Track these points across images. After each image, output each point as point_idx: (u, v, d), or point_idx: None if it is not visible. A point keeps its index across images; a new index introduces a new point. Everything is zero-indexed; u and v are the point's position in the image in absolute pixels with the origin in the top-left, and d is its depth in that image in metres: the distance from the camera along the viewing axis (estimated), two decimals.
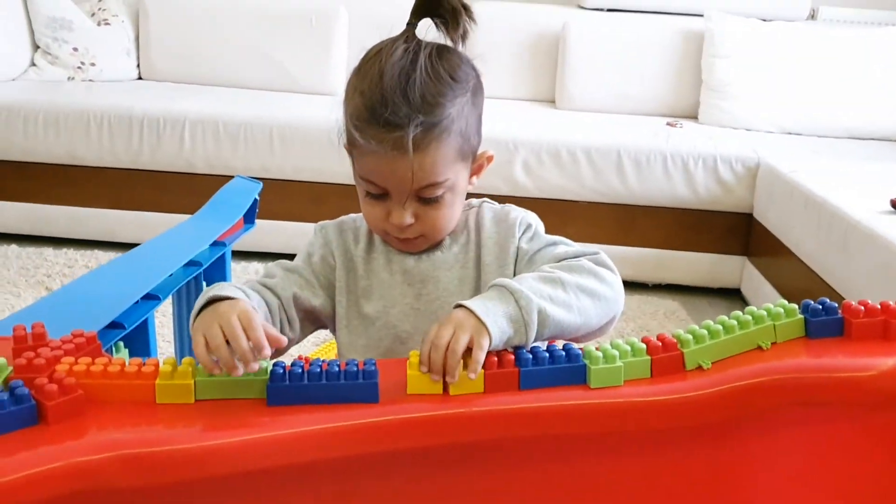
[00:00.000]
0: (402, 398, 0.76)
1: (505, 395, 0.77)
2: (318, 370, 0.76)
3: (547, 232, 1.04)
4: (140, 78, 3.27)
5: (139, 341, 1.20)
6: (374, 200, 0.94)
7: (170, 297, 1.37)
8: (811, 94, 2.94)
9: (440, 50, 0.91)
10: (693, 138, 2.69)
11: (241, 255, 2.67)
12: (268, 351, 0.76)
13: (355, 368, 0.76)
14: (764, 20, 3.06)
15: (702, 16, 3.08)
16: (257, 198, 1.49)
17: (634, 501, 0.82)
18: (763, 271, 2.48)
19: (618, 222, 2.65)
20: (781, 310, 0.86)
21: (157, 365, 0.77)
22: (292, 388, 0.75)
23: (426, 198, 0.92)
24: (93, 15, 3.21)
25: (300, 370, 0.76)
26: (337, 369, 0.76)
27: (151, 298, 1.17)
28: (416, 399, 0.76)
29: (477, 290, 1.00)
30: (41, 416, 0.70)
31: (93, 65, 3.13)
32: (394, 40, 0.91)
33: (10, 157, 2.72)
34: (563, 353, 0.80)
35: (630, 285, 2.66)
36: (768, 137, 2.83)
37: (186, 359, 0.79)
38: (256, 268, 2.63)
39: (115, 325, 1.08)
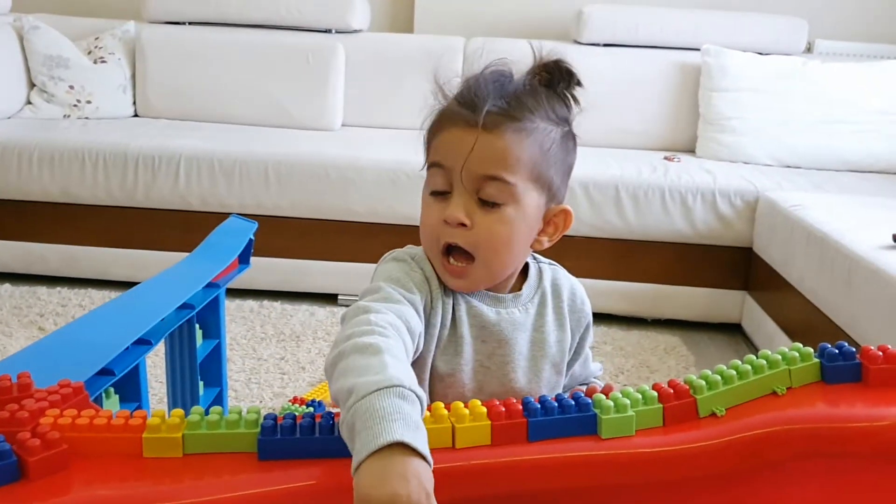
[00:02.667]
0: None
1: (513, 446, 0.74)
2: (311, 423, 0.73)
3: None
4: (136, 115, 3.26)
5: (130, 387, 1.16)
6: (435, 201, 0.90)
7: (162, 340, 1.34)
8: (810, 126, 2.93)
9: (548, 81, 0.92)
10: (691, 172, 2.68)
11: (235, 292, 2.64)
12: None
13: None
14: (760, 54, 3.06)
15: (699, 50, 3.09)
16: (252, 238, 1.47)
17: None
18: (764, 306, 2.46)
19: (616, 257, 2.63)
20: (797, 354, 0.83)
21: (144, 417, 0.74)
22: (284, 442, 0.72)
23: (486, 199, 0.87)
24: (89, 53, 3.20)
25: (292, 422, 0.73)
26: (331, 422, 0.73)
27: (143, 343, 1.14)
28: None
29: (544, 361, 0.98)
30: (23, 472, 0.68)
31: (88, 102, 3.12)
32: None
33: (5, 196, 2.69)
34: (573, 402, 0.78)
35: (629, 321, 2.66)
36: (767, 171, 2.81)
37: (175, 411, 0.76)
38: (251, 306, 2.60)
39: (105, 372, 1.05)
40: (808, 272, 2.12)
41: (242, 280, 2.57)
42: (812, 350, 0.84)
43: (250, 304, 2.61)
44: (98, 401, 1.12)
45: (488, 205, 0.88)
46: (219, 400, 1.43)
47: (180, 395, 1.35)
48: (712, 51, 3.03)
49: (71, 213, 2.70)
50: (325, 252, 2.61)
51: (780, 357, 0.83)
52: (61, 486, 0.67)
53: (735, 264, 2.61)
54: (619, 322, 2.65)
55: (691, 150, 3.07)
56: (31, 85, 3.15)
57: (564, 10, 3.37)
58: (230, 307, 2.59)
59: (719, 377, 0.81)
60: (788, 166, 2.92)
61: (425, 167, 0.94)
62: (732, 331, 2.65)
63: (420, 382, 0.93)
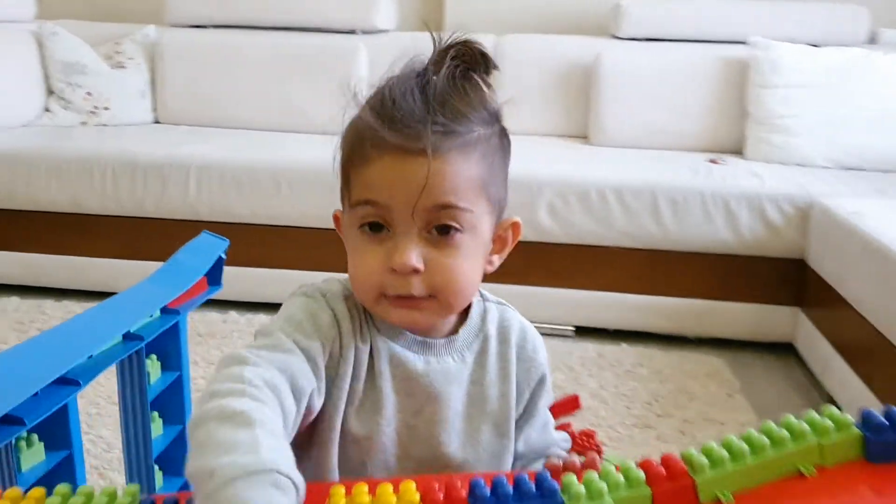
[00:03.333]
0: None
1: None
2: None
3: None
4: (156, 121, 3.16)
5: (58, 433, 1.02)
6: (371, 239, 0.73)
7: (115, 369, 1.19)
8: (871, 125, 2.67)
9: (466, 72, 0.74)
10: (736, 175, 2.46)
11: (245, 305, 2.51)
12: None
13: None
14: (815, 45, 2.81)
15: (746, 43, 2.86)
16: (223, 256, 1.31)
17: None
18: (818, 325, 2.22)
19: (653, 269, 2.42)
20: (831, 422, 0.64)
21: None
22: None
23: (440, 227, 0.72)
24: (109, 58, 3.11)
25: None
26: None
27: (69, 384, 0.99)
28: None
29: (484, 421, 0.82)
30: None
31: (106, 109, 3.03)
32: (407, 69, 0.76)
33: (13, 206, 2.61)
34: (535, 486, 0.60)
35: (668, 340, 2.45)
36: (822, 174, 2.57)
37: (33, 492, 0.61)
38: (262, 319, 2.46)
39: (12, 421, 0.90)
40: (867, 289, 1.89)
41: (252, 292, 2.47)
42: (851, 419, 0.64)
43: (261, 317, 2.47)
44: (13, 451, 0.97)
45: (441, 234, 0.73)
46: (181, 438, 1.27)
47: (132, 435, 1.20)
48: (761, 43, 2.80)
49: (80, 224, 2.61)
50: (338, 265, 2.45)
51: (808, 427, 0.63)
52: None
53: (786, 277, 2.37)
54: (657, 341, 2.45)
55: (738, 152, 2.84)
56: (50, 92, 3.07)
57: (600, 3, 3.18)
58: (239, 321, 2.46)
59: (726, 452, 0.63)
60: (847, 168, 2.66)
61: (346, 208, 0.77)
62: (783, 351, 2.41)
63: (326, 446, 0.77)
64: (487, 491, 0.59)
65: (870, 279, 1.87)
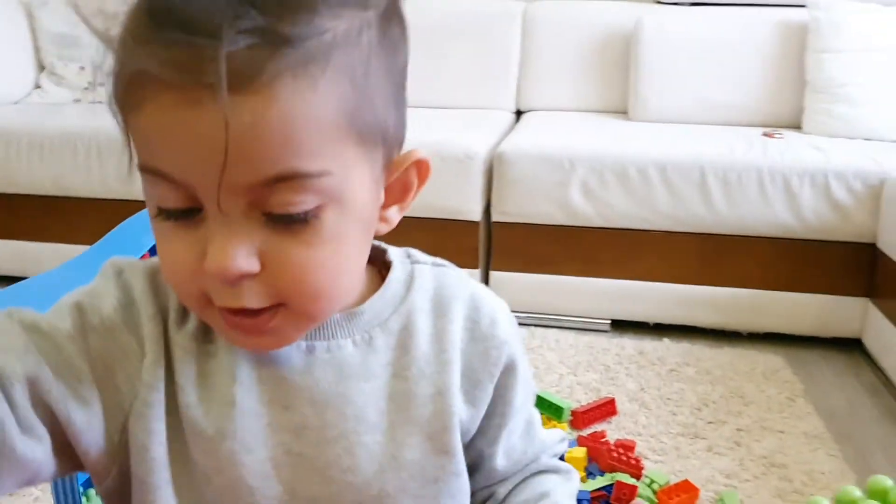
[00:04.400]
0: None
1: None
2: None
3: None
4: None
5: None
6: (176, 224, 0.46)
7: None
8: None
9: None
10: (797, 150, 2.18)
11: None
12: None
13: None
14: (885, 4, 2.51)
15: (804, 6, 2.56)
16: None
17: None
18: (891, 317, 1.95)
19: (702, 256, 2.17)
20: None
21: None
22: None
23: (279, 214, 0.45)
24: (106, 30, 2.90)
25: None
26: None
27: None
28: None
29: (412, 432, 0.55)
30: None
31: (102, 85, 2.81)
32: None
33: None
34: None
35: (717, 335, 2.19)
36: (893, 148, 2.27)
37: None
38: None
39: None
40: None
41: None
42: None
43: None
44: None
45: (287, 221, 0.45)
46: None
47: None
48: (822, 3, 2.50)
49: (64, 207, 2.40)
50: None
51: None
52: None
53: (854, 264, 2.11)
54: (707, 337, 2.19)
55: (797, 126, 2.54)
56: (41, 67, 2.87)
57: None
58: None
59: None
60: None
61: (130, 163, 0.47)
62: (851, 348, 2.15)
63: (153, 490, 0.51)
64: None
65: None
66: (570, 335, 2.16)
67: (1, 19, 2.80)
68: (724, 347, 2.13)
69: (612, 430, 1.68)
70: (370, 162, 0.49)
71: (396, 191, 0.54)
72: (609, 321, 2.24)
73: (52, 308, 0.51)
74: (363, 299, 0.56)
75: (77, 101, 2.80)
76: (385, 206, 0.53)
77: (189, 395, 0.51)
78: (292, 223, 0.45)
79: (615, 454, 1.50)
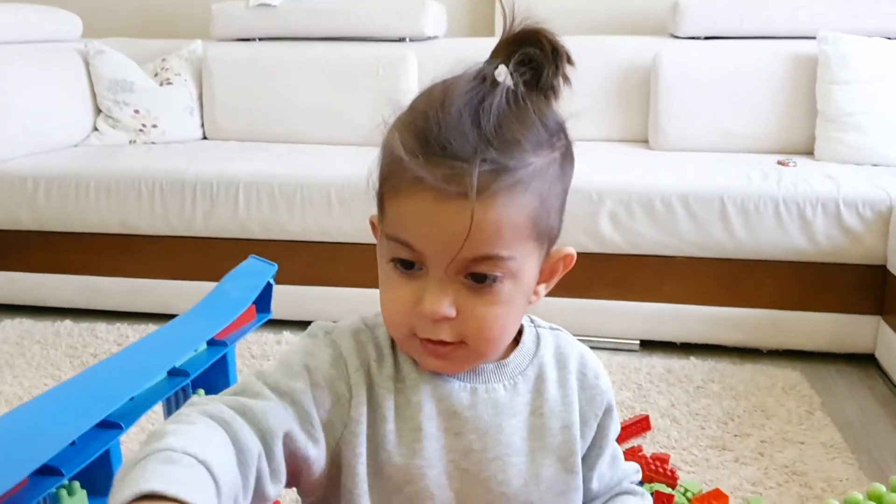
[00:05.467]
0: None
1: None
2: None
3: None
4: (204, 137, 3.13)
5: (101, 479, 0.95)
6: (402, 277, 0.66)
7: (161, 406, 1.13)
8: None
9: (531, 93, 0.65)
10: (809, 179, 2.31)
11: (300, 325, 2.44)
12: None
13: None
14: (889, 38, 2.66)
15: (814, 38, 2.71)
16: (272, 282, 1.24)
17: None
18: None
19: (723, 280, 2.29)
20: None
21: None
22: None
23: (477, 275, 0.64)
24: (156, 75, 3.09)
25: None
26: None
27: (111, 427, 0.92)
28: None
29: (546, 455, 0.73)
30: None
31: (154, 126, 3.01)
32: (467, 69, 0.67)
33: (65, 229, 2.58)
34: None
35: (741, 352, 2.32)
36: None
37: None
38: None
39: (50, 471, 0.84)
40: None
41: (304, 311, 2.39)
42: None
43: None
44: (52, 501, 0.90)
45: (481, 282, 0.65)
46: None
47: None
48: (830, 37, 2.65)
49: (130, 245, 2.57)
50: None
51: None
52: None
53: (866, 285, 2.23)
54: (730, 354, 2.32)
55: (809, 153, 2.69)
56: (98, 111, 3.06)
57: (658, 1, 3.05)
58: (293, 343, 2.40)
59: None
60: None
61: (380, 231, 0.69)
62: (865, 363, 2.27)
63: (354, 499, 0.69)
64: None
65: None
66: (604, 355, 2.28)
67: (60, 67, 2.99)
68: (746, 364, 2.25)
69: (648, 445, 1.83)
70: (539, 252, 0.68)
71: (546, 273, 0.72)
72: (638, 342, 2.37)
73: (281, 367, 0.69)
74: (507, 354, 0.74)
75: (132, 142, 2.99)
76: (537, 283, 0.71)
77: (389, 422, 0.69)
78: (482, 288, 0.65)
79: (652, 466, 1.66)
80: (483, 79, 0.64)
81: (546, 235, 0.68)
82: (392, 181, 0.65)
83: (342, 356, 0.70)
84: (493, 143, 0.61)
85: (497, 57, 0.66)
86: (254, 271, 1.24)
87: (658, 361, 2.27)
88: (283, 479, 0.65)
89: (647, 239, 2.28)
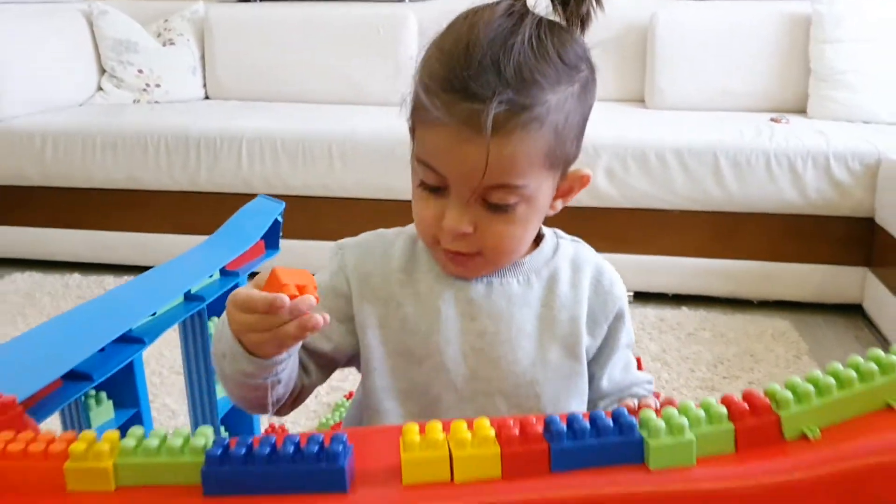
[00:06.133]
0: (389, 487, 0.56)
1: (530, 480, 0.55)
2: (268, 450, 0.56)
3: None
4: (207, 97, 3.17)
5: (125, 390, 1.02)
6: (429, 194, 0.74)
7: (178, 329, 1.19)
8: None
9: (553, 24, 0.72)
10: (800, 134, 2.37)
11: None
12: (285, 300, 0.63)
13: (316, 448, 0.55)
14: None
15: None
16: (279, 219, 1.30)
17: None
18: (889, 284, 2.14)
19: (716, 232, 2.36)
20: None
21: (70, 441, 0.58)
22: (233, 474, 0.56)
23: (494, 203, 0.73)
24: (158, 35, 3.13)
25: (244, 450, 0.56)
26: (292, 449, 0.56)
27: (134, 342, 0.99)
28: (403, 490, 0.55)
29: (553, 342, 0.81)
30: None
31: (158, 86, 3.05)
32: (495, 2, 0.72)
33: (71, 185, 2.65)
34: (612, 421, 0.57)
35: (732, 303, 2.39)
36: (891, 130, 2.47)
37: (108, 434, 0.60)
38: None
39: (80, 377, 0.90)
40: None
41: (306, 264, 2.44)
42: None
43: None
44: (82, 409, 0.97)
45: (498, 208, 0.73)
46: None
47: (197, 394, 1.20)
48: None
49: (136, 200, 2.63)
50: None
51: (895, 359, 0.60)
52: None
53: (854, 237, 2.30)
54: (721, 305, 2.39)
55: (802, 111, 2.75)
56: (102, 71, 3.11)
57: None
58: None
59: (812, 387, 0.59)
60: None
61: (412, 148, 0.77)
62: (852, 313, 2.34)
63: (372, 373, 0.81)
64: (563, 427, 0.57)
65: None
66: None
67: (64, 28, 3.03)
68: (737, 314, 2.33)
69: None
70: (553, 177, 0.75)
71: (563, 190, 0.79)
72: (632, 293, 2.43)
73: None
74: (524, 256, 0.82)
75: (136, 101, 3.04)
76: (554, 199, 0.78)
77: (408, 307, 0.79)
78: (498, 210, 0.73)
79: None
80: (510, 14, 0.70)
81: (562, 161, 0.75)
82: (420, 112, 0.72)
83: (343, 265, 0.83)
84: (511, 83, 0.67)
85: None
86: (263, 209, 1.30)
87: (651, 311, 2.35)
88: (313, 372, 0.80)
89: (642, 192, 2.34)
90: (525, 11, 0.71)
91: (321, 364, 0.81)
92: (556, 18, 0.73)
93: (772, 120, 2.59)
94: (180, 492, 0.57)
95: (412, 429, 0.57)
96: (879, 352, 0.61)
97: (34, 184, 2.66)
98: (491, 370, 0.79)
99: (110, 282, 2.57)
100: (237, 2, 3.24)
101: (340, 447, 0.55)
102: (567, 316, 0.81)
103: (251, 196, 2.49)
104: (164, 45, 3.10)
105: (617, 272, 0.87)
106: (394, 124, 2.51)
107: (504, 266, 0.80)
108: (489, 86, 0.67)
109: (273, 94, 3.07)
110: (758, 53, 2.82)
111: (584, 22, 0.74)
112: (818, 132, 2.39)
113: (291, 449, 0.56)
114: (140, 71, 3.04)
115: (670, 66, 2.85)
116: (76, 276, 2.61)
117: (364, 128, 2.51)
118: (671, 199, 2.34)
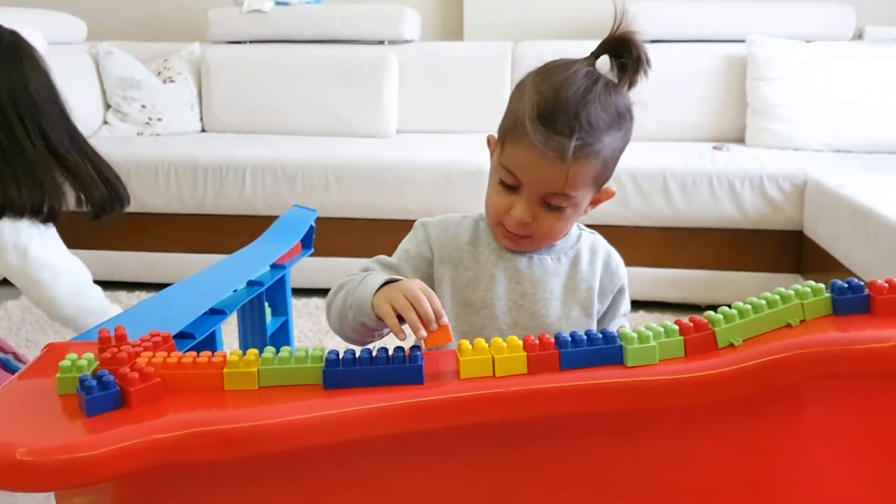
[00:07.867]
0: (449, 380, 0.81)
1: (547, 374, 0.82)
2: (368, 356, 0.83)
3: None
4: (203, 130, 3.44)
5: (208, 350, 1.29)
6: (505, 191, 1.02)
7: (235, 313, 1.46)
8: (859, 111, 2.93)
9: (615, 86, 1.00)
10: (739, 160, 2.70)
11: (301, 291, 2.77)
12: (445, 319, 0.88)
13: (402, 354, 0.82)
14: (807, 41, 3.07)
15: (744, 41, 3.11)
16: (313, 224, 1.58)
17: (671, 475, 0.86)
18: None
19: (666, 245, 2.67)
20: (809, 289, 0.89)
21: (224, 356, 0.84)
22: (345, 373, 0.81)
23: (551, 204, 1.00)
24: (158, 74, 3.40)
25: (352, 356, 0.83)
26: (385, 355, 0.83)
27: (218, 313, 1.26)
28: (461, 381, 0.81)
29: (574, 304, 1.09)
30: (125, 401, 0.77)
31: (159, 120, 3.31)
32: (576, 62, 1.00)
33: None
34: (601, 335, 0.85)
35: (681, 307, 2.68)
36: (817, 156, 2.82)
37: (252, 350, 0.86)
38: (317, 303, 2.73)
39: (186, 336, 1.17)
40: (856, 248, 2.15)
41: (308, 279, 2.72)
42: (823, 286, 0.90)
43: (315, 301, 2.74)
44: None
45: (552, 208, 1.01)
46: None
47: None
48: (758, 41, 3.06)
49: (147, 222, 2.87)
50: (383, 249, 2.69)
51: (793, 293, 0.89)
52: (157, 412, 0.77)
53: (786, 247, 2.62)
54: (672, 310, 2.69)
55: (741, 140, 3.10)
56: (107, 106, 3.35)
57: (610, 7, 3.40)
58: (296, 305, 2.73)
59: (736, 312, 0.88)
60: (839, 151, 2.92)
61: (497, 153, 1.04)
62: None
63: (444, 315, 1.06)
64: (569, 339, 0.86)
65: (858, 239, 2.13)
66: None
67: (72, 66, 3.28)
68: (687, 317, 2.62)
69: None
70: (594, 191, 1.04)
71: (595, 201, 1.07)
72: None
73: (396, 253, 1.10)
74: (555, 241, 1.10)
75: (140, 133, 3.29)
76: (588, 205, 1.06)
77: (471, 270, 1.07)
78: (552, 209, 1.01)
79: None
80: (587, 75, 0.97)
81: (602, 181, 1.03)
82: (515, 131, 0.98)
83: (427, 237, 1.10)
84: (584, 127, 0.95)
85: (601, 51, 1.02)
86: (300, 216, 1.58)
87: None
88: None
89: (602, 210, 2.54)
90: (597, 76, 0.99)
91: None
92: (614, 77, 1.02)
93: (714, 148, 2.92)
94: (306, 388, 0.81)
95: (466, 343, 0.86)
96: (782, 288, 0.90)
97: None
98: (528, 321, 1.07)
99: (123, 296, 2.81)
100: (231, 43, 3.51)
101: (418, 353, 0.82)
102: (585, 286, 1.09)
103: (255, 217, 2.80)
104: (164, 82, 3.37)
105: (621, 258, 1.16)
106: (381, 153, 2.83)
107: (544, 247, 1.08)
108: (571, 128, 0.94)
109: (264, 127, 3.34)
110: (701, 90, 3.18)
111: (632, 84, 1.03)
112: (754, 158, 2.73)
113: (384, 355, 0.83)
114: (143, 106, 3.30)
115: None
116: None
117: (356, 155, 2.80)
118: (627, 216, 2.66)
